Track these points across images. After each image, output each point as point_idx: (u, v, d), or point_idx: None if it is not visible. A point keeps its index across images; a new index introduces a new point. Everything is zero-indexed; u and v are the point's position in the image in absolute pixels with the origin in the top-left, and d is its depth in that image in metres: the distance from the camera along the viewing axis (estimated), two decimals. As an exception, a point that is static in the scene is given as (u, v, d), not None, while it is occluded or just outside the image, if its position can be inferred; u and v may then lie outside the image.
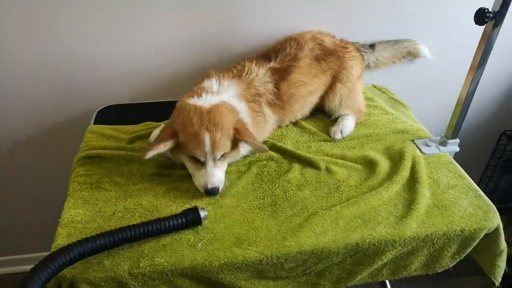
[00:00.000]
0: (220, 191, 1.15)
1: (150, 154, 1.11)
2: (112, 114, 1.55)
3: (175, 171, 1.24)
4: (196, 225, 1.05)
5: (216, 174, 1.14)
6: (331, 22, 1.58)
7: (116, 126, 1.45)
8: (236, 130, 1.15)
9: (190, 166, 1.17)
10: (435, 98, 1.84)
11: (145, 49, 1.54)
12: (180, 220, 1.02)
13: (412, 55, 1.70)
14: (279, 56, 1.39)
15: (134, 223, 1.04)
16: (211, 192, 1.12)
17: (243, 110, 1.23)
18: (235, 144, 1.18)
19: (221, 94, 1.22)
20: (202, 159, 1.13)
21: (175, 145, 1.15)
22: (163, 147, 1.12)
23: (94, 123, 1.50)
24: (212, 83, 1.25)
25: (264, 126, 1.33)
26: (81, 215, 1.08)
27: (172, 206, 1.12)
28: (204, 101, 1.17)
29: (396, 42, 1.66)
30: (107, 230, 0.95)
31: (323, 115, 1.53)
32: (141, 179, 1.20)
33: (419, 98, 1.80)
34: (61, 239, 1.02)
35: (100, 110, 1.58)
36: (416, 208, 1.12)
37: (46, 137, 1.67)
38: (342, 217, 1.09)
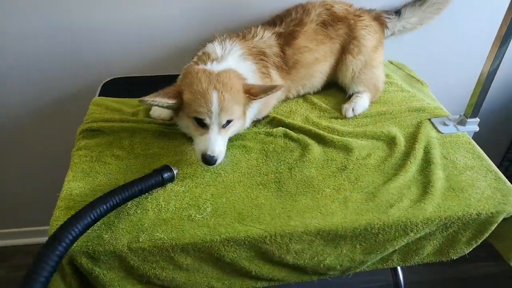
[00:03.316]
0: (218, 163, 1.07)
1: (146, 99, 1.04)
2: (117, 87, 1.51)
3: (177, 146, 1.19)
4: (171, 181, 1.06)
5: (219, 143, 1.07)
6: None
7: (120, 99, 1.41)
8: (247, 91, 1.09)
9: (192, 130, 1.10)
10: (455, 75, 1.74)
11: (151, 20, 1.48)
12: (157, 179, 1.02)
13: (443, 7, 1.51)
14: (284, 21, 1.33)
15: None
16: (209, 161, 1.05)
17: (249, 68, 1.19)
18: (242, 111, 1.13)
19: (226, 59, 1.18)
20: (207, 120, 1.06)
21: (176, 105, 1.08)
22: (161, 99, 1.05)
23: (99, 96, 1.46)
24: (215, 47, 1.20)
25: None
26: (80, 188, 1.05)
27: (167, 185, 1.07)
28: (210, 67, 1.13)
29: (422, 2, 1.50)
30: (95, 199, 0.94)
31: (335, 91, 1.46)
32: (142, 153, 1.17)
33: (438, 75, 1.70)
34: (60, 211, 0.99)
35: (105, 82, 1.54)
36: (431, 190, 1.05)
37: (50, 110, 1.64)
38: (351, 199, 1.04)
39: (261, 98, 1.11)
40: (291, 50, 1.29)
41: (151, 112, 1.30)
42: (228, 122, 1.09)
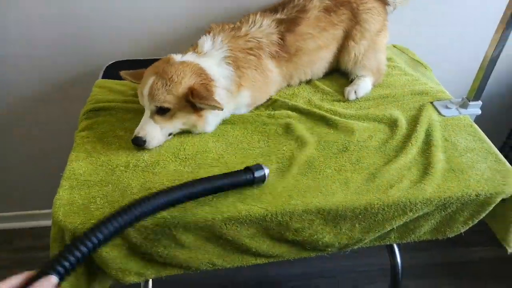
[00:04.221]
0: (148, 145, 1.09)
1: (122, 73, 1.20)
2: (120, 70, 1.51)
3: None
4: (261, 182, 1.01)
5: (147, 128, 1.09)
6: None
7: (124, 81, 1.41)
8: (192, 90, 1.08)
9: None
10: (459, 59, 1.73)
11: (155, 2, 1.48)
12: (247, 177, 0.98)
13: None
14: (286, 7, 1.31)
15: (136, 177, 1.04)
16: (134, 142, 1.09)
17: (229, 74, 1.17)
18: (188, 107, 1.11)
19: (209, 56, 1.17)
20: (141, 103, 1.12)
21: (133, 78, 1.19)
22: (125, 75, 1.20)
23: (102, 79, 1.47)
24: (205, 41, 1.20)
25: (266, 80, 1.26)
26: (83, 167, 1.06)
27: (175, 162, 1.09)
28: (181, 58, 1.15)
29: None
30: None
31: (338, 75, 1.45)
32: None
33: (442, 59, 1.69)
34: (64, 190, 1.00)
35: (109, 65, 1.54)
36: (431, 172, 1.06)
37: (53, 93, 1.65)
38: (352, 180, 1.05)
39: (198, 103, 1.09)
40: (293, 36, 1.27)
41: None
42: (163, 109, 1.09)
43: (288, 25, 1.27)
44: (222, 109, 1.11)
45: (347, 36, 1.36)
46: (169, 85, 1.08)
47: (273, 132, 1.19)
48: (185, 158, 1.10)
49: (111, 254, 0.97)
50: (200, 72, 1.13)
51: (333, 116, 1.24)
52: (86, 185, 1.02)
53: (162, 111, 1.10)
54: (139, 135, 1.09)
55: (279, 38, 1.26)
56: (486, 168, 1.07)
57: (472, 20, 1.65)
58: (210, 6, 1.51)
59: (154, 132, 1.10)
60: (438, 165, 1.08)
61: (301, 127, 1.21)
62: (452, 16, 1.63)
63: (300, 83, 1.40)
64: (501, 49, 1.21)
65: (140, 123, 1.11)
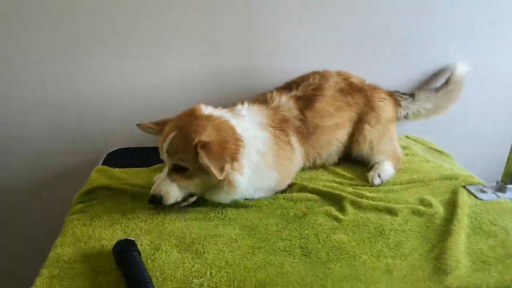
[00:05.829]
0: (165, 201, 1.02)
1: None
2: (122, 157, 1.42)
3: (181, 214, 1.05)
4: None
5: (164, 185, 1.02)
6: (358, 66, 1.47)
7: (127, 169, 1.30)
8: (202, 144, 0.97)
9: None
10: (479, 143, 1.64)
11: (157, 89, 1.46)
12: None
13: (458, 94, 1.49)
14: (301, 85, 1.29)
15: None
16: (150, 201, 1.03)
17: (264, 139, 1.11)
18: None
19: (242, 117, 1.11)
20: (163, 158, 1.06)
21: (156, 126, 1.12)
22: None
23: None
24: (242, 107, 1.17)
25: (291, 157, 1.17)
26: (69, 253, 0.89)
27: (180, 247, 0.92)
28: (217, 112, 1.10)
29: (438, 88, 1.49)
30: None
31: (354, 163, 1.34)
32: (143, 217, 1.02)
33: (460, 145, 1.61)
34: (42, 280, 0.82)
35: (109, 153, 1.46)
36: (488, 258, 0.90)
37: (49, 184, 1.54)
38: (395, 267, 0.87)
39: (201, 158, 0.96)
40: (311, 113, 1.24)
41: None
42: (179, 168, 1.02)
43: (305, 102, 1.24)
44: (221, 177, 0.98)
45: (362, 120, 1.31)
46: (186, 141, 1.03)
47: (293, 215, 1.04)
48: (191, 242, 0.93)
49: None
50: (223, 127, 1.07)
51: (359, 199, 1.10)
52: (71, 273, 0.83)
53: (180, 170, 1.04)
54: (156, 194, 1.03)
55: (300, 113, 1.22)
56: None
57: (492, 100, 1.60)
58: (214, 93, 1.47)
59: (173, 191, 1.03)
60: (494, 251, 0.92)
61: (324, 210, 1.06)
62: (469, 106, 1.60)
63: (314, 166, 1.30)
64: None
65: (158, 182, 1.05)
